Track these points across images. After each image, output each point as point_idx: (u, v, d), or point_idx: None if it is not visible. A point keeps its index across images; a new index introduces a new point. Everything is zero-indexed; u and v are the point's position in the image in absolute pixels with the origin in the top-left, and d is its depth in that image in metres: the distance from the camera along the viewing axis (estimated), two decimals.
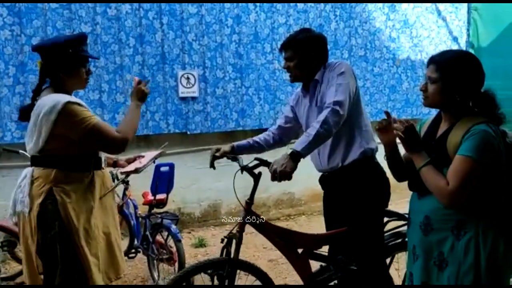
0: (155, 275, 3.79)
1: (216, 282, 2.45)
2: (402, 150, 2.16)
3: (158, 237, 3.79)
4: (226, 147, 2.72)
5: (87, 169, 2.31)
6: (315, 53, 2.56)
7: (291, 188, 5.83)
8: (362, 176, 2.51)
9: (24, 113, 2.33)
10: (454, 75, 1.91)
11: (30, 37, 4.49)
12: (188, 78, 5.26)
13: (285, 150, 2.34)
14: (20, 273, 3.73)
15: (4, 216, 3.39)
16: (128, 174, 2.87)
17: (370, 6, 6.21)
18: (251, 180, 2.49)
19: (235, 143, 2.78)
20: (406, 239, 2.56)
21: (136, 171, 2.71)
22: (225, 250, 2.46)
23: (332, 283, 2.65)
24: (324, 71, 2.57)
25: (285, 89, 5.74)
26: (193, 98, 5.32)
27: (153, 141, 5.09)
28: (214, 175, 5.34)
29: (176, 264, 3.57)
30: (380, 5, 6.28)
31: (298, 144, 2.30)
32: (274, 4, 5.63)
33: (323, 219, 2.84)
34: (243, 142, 2.80)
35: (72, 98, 2.23)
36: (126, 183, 4.05)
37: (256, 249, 4.63)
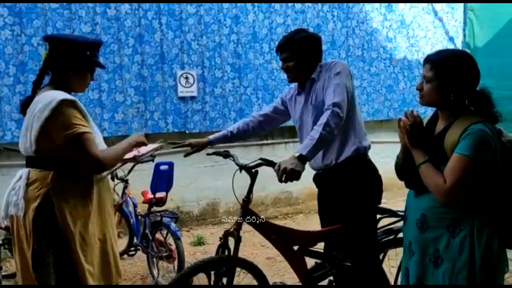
0: (155, 272, 3.82)
1: (213, 279, 2.49)
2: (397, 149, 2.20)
3: (158, 235, 3.82)
4: (202, 141, 2.84)
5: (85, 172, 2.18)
6: (315, 53, 2.61)
7: (289, 187, 5.85)
8: (355, 174, 2.55)
9: (24, 107, 2.22)
10: (449, 73, 1.94)
11: (30, 37, 4.52)
12: (187, 78, 5.30)
13: (286, 153, 2.35)
14: None
15: None
16: (125, 162, 2.72)
17: (367, 6, 6.27)
18: (249, 179, 2.52)
19: (211, 136, 2.88)
20: (399, 236, 2.62)
21: (135, 159, 2.56)
22: (220, 249, 2.48)
23: (327, 279, 2.70)
24: (320, 70, 2.60)
25: (283, 88, 5.78)
26: (192, 98, 5.36)
27: (152, 140, 5.08)
28: (213, 174, 5.44)
29: (176, 262, 3.60)
30: (377, 5, 6.34)
31: (303, 147, 2.31)
32: (272, 4, 5.68)
33: None
34: (219, 134, 2.92)
35: (68, 96, 2.11)
36: (125, 181, 4.10)
37: (254, 247, 4.67)
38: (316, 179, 2.77)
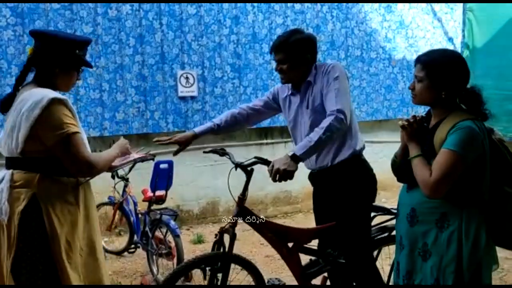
0: (154, 270, 3.88)
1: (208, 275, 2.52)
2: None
3: (157, 233, 3.87)
4: (187, 134, 2.77)
5: (72, 175, 2.08)
6: (310, 55, 2.57)
7: (288, 186, 5.90)
8: (351, 174, 2.58)
9: (5, 104, 2.10)
10: (440, 73, 2.00)
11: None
12: (187, 78, 5.35)
13: (285, 153, 2.37)
14: None
15: None
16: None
17: (366, 7, 6.31)
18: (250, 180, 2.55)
19: (196, 129, 2.82)
20: (393, 233, 2.65)
21: (110, 168, 2.34)
22: (216, 245, 2.51)
23: (321, 276, 2.74)
24: (315, 72, 2.57)
25: None
26: (192, 97, 5.42)
27: (152, 140, 5.18)
28: (213, 173, 5.48)
29: (175, 259, 3.65)
30: (376, 6, 6.37)
31: (299, 148, 2.34)
32: (272, 5, 5.73)
33: None
34: (204, 126, 2.83)
35: (59, 95, 2.02)
36: (126, 180, 4.16)
37: (253, 245, 4.71)
38: (311, 177, 2.80)
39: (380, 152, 5.63)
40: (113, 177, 4.02)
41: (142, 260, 4.27)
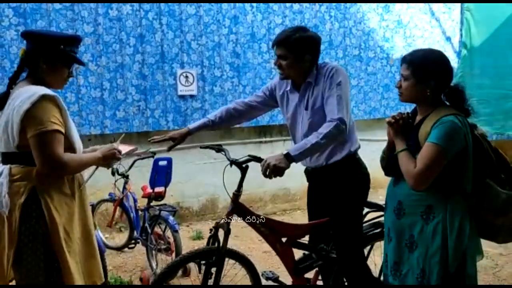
0: (153, 264, 3.95)
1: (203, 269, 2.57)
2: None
3: (157, 229, 3.95)
4: (181, 131, 2.81)
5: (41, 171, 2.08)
6: (312, 56, 2.53)
7: (287, 184, 5.98)
8: (345, 172, 2.63)
9: (0, 102, 2.15)
10: (425, 71, 2.08)
11: None
12: (186, 77, 5.43)
13: (281, 150, 2.41)
14: None
15: None
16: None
17: (364, 7, 6.37)
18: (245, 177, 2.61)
19: (190, 126, 2.86)
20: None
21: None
22: (211, 240, 2.56)
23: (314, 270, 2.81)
24: (317, 73, 2.55)
25: None
26: (192, 96, 5.50)
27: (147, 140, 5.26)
28: (212, 170, 5.55)
29: (173, 254, 3.73)
30: (374, 5, 6.44)
31: (294, 148, 2.38)
32: (271, 5, 5.80)
33: None
34: (199, 122, 2.87)
35: (49, 92, 2.07)
36: (126, 177, 4.23)
37: (252, 241, 4.78)
38: (306, 173, 2.85)
39: (377, 151, 5.59)
40: (113, 174, 4.08)
41: (142, 255, 4.34)
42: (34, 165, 2.04)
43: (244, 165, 2.58)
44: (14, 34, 4.60)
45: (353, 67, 6.36)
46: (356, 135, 2.71)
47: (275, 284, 2.81)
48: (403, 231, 2.15)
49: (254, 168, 2.63)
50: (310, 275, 2.84)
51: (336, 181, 2.64)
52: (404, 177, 2.09)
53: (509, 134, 6.04)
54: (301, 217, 5.85)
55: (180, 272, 3.67)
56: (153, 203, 4.04)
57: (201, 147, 2.93)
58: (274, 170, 2.29)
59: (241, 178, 2.61)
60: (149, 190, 4.02)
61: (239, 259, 2.71)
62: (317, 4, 6.06)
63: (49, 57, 2.15)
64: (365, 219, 2.81)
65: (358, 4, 6.31)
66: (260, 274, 2.80)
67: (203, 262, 2.55)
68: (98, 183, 4.62)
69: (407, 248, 2.14)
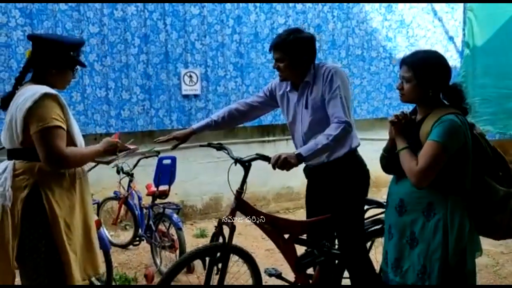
0: (158, 262, 4.01)
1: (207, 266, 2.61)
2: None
3: (161, 226, 4.00)
4: (185, 131, 2.89)
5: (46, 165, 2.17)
6: (307, 56, 2.60)
7: (290, 183, 6.01)
8: (345, 169, 2.68)
9: (5, 101, 2.26)
10: (426, 72, 2.13)
11: None
12: (190, 76, 5.48)
13: (287, 150, 2.46)
14: None
15: None
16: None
17: (367, 6, 6.40)
18: (248, 175, 2.64)
19: (194, 126, 2.93)
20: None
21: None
22: (215, 237, 2.59)
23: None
24: (314, 73, 2.62)
25: None
26: (196, 96, 5.55)
27: (157, 137, 5.30)
28: (215, 169, 5.59)
29: (177, 251, 3.78)
30: (377, 5, 6.47)
31: (305, 149, 2.44)
32: (274, 5, 5.85)
33: None
34: (202, 122, 2.95)
35: (51, 90, 2.15)
36: (131, 175, 4.28)
37: (255, 239, 4.82)
38: (306, 171, 2.89)
39: (380, 150, 5.67)
40: (118, 172, 4.14)
41: (146, 253, 4.40)
42: (37, 160, 2.13)
43: (247, 164, 2.62)
44: (20, 35, 4.66)
45: (356, 66, 6.39)
46: (356, 132, 2.76)
47: (278, 280, 2.85)
48: (404, 228, 2.19)
49: (258, 167, 2.67)
50: (312, 271, 2.87)
51: (337, 178, 2.69)
52: (405, 175, 2.13)
53: (511, 133, 6.05)
54: (304, 216, 5.79)
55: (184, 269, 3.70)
56: (157, 201, 4.09)
57: (201, 145, 2.96)
58: (283, 162, 2.37)
59: (244, 176, 2.64)
60: (153, 188, 4.08)
61: (243, 256, 2.75)
62: (320, 4, 6.09)
63: (60, 63, 2.26)
64: (366, 216, 2.83)
65: (361, 4, 6.34)
66: (262, 271, 2.83)
67: (208, 258, 2.58)
68: (103, 182, 4.69)
69: (408, 245, 2.17)
